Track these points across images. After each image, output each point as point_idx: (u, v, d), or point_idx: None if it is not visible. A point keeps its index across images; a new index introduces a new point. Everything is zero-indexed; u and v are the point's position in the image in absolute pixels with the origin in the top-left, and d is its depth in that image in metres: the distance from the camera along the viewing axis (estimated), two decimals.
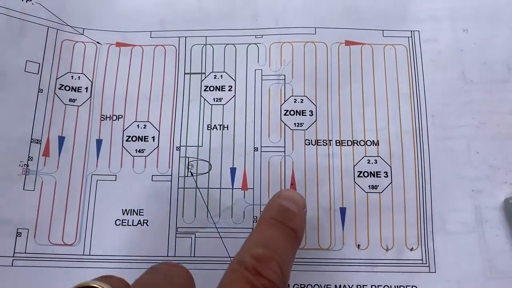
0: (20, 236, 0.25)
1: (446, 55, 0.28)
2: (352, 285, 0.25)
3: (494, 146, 0.26)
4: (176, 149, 0.27)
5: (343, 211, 0.26)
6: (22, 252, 0.25)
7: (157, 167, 0.26)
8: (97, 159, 0.26)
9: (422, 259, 0.25)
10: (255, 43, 0.28)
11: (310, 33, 0.28)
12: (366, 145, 0.27)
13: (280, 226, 0.20)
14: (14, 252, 0.25)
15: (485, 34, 0.28)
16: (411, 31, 0.28)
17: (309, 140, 0.27)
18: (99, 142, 0.27)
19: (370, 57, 0.28)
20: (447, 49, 0.28)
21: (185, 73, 0.28)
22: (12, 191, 0.25)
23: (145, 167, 0.26)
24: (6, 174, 0.25)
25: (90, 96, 0.27)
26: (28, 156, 0.26)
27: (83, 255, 0.25)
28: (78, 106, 0.27)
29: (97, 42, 0.28)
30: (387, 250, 0.25)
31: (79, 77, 0.27)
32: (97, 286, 0.17)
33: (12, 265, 0.25)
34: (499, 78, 0.27)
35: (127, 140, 0.27)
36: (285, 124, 0.27)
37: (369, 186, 0.26)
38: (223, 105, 0.27)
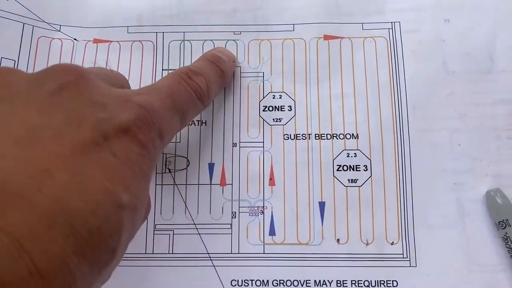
0: None
1: (427, 46, 0.27)
2: (332, 281, 0.25)
3: (476, 138, 0.26)
4: None
5: (322, 205, 0.25)
6: None
7: None
8: None
9: (403, 253, 0.25)
10: (233, 40, 0.28)
11: (289, 30, 0.28)
12: (346, 139, 0.26)
13: (212, 64, 0.24)
14: None
15: (467, 24, 0.28)
16: (392, 22, 0.28)
17: (288, 135, 0.26)
18: None
19: (349, 51, 0.27)
20: (429, 39, 0.27)
21: (163, 69, 0.27)
22: None
23: None
24: None
25: None
26: None
27: None
28: None
29: (74, 39, 0.28)
30: (367, 244, 0.25)
31: None
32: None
33: None
34: (481, 69, 0.27)
35: None
36: (263, 120, 0.27)
37: (349, 180, 0.26)
38: None
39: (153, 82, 0.27)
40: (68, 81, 0.16)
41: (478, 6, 0.28)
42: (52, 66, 0.17)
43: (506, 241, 0.24)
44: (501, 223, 0.24)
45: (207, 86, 0.22)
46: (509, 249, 0.24)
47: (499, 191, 0.25)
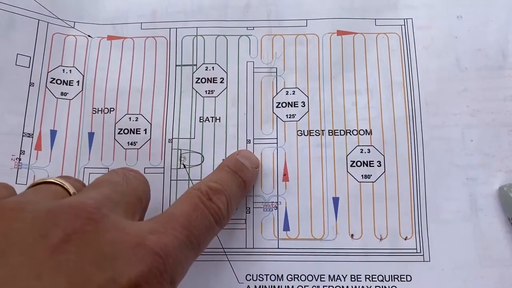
0: None
1: (440, 42, 0.27)
2: (346, 275, 0.25)
3: (488, 133, 0.26)
4: (168, 142, 0.27)
5: (336, 201, 0.26)
6: None
7: (149, 159, 0.26)
8: (89, 152, 0.26)
9: (416, 248, 0.25)
10: (246, 35, 0.28)
11: (301, 26, 0.28)
12: (359, 135, 0.26)
13: (233, 174, 0.23)
14: None
15: (479, 20, 0.28)
16: (404, 19, 0.28)
17: (301, 131, 0.27)
18: (91, 135, 0.27)
19: (362, 47, 0.28)
20: (441, 36, 0.28)
21: (176, 65, 0.28)
22: None
23: (137, 159, 0.26)
24: None
25: (82, 90, 0.27)
26: (20, 150, 0.26)
27: None
28: (70, 99, 0.27)
29: (88, 36, 0.28)
30: (381, 239, 0.25)
31: (70, 70, 0.27)
32: (57, 182, 0.18)
33: None
34: (493, 65, 0.27)
35: (119, 133, 0.27)
36: (277, 116, 0.27)
37: (362, 175, 0.26)
38: (215, 97, 0.27)
39: (167, 78, 0.27)
40: (74, 229, 0.15)
41: (490, 2, 0.28)
42: (61, 205, 0.16)
43: None
44: None
45: (227, 206, 0.21)
46: None
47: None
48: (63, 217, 0.15)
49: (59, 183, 0.18)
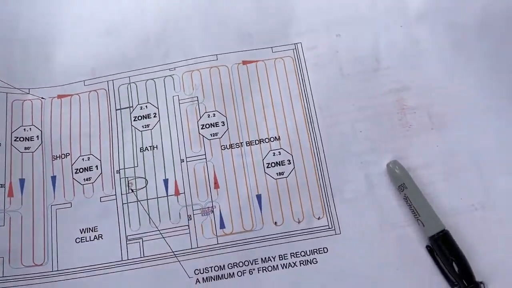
0: None
1: (325, 58, 0.34)
2: (275, 256, 0.30)
3: (373, 123, 0.32)
4: (117, 172, 0.32)
5: (259, 197, 0.31)
6: (0, 276, 0.30)
7: (103, 190, 0.32)
8: (54, 192, 0.32)
9: (328, 225, 0.31)
10: (169, 75, 0.34)
11: (213, 60, 0.34)
12: (270, 141, 0.32)
13: None
14: None
15: (354, 36, 0.34)
16: (295, 43, 0.34)
17: (224, 146, 0.33)
18: (53, 178, 0.32)
19: (264, 71, 0.34)
20: (325, 52, 0.34)
21: (116, 109, 0.34)
22: None
23: (93, 191, 0.32)
24: None
25: (41, 142, 0.33)
26: None
27: (52, 271, 0.30)
28: (33, 152, 0.33)
29: (42, 98, 0.34)
30: (299, 222, 0.31)
31: (30, 128, 0.33)
32: None
33: None
34: (370, 69, 0.33)
35: (76, 173, 0.32)
36: (203, 136, 0.33)
37: (277, 173, 0.32)
38: (151, 129, 0.33)
39: (110, 121, 0.33)
40: None
41: (361, 20, 0.35)
42: None
43: (406, 200, 0.30)
44: (400, 187, 0.30)
45: None
46: (410, 206, 0.30)
47: (396, 163, 0.31)
48: None
49: None
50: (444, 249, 0.29)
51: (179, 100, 0.34)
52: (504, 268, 0.29)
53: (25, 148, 0.33)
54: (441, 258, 0.29)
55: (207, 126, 0.33)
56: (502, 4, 0.34)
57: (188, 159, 0.32)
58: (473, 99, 0.32)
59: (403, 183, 0.30)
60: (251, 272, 0.30)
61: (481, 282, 0.28)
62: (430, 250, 0.30)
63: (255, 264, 0.30)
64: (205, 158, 0.32)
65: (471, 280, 0.28)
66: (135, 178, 0.32)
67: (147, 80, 0.34)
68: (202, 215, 0.31)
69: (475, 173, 0.31)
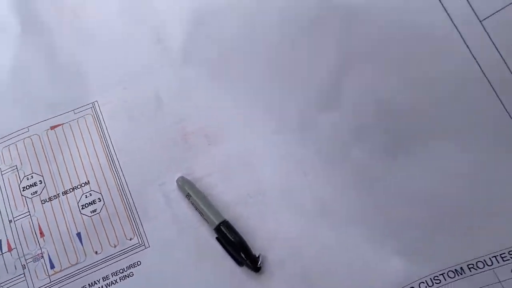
0: None
1: (117, 109, 0.42)
2: (99, 279, 0.37)
3: (163, 151, 0.40)
4: None
5: (79, 235, 0.38)
6: None
7: None
8: None
9: (139, 242, 0.38)
10: None
11: (25, 132, 0.41)
12: (82, 187, 0.39)
13: None
14: None
15: (137, 86, 0.42)
16: (92, 102, 0.42)
17: (44, 200, 0.39)
18: None
19: (70, 131, 0.41)
20: (117, 104, 0.42)
21: None
22: None
23: None
24: None
25: None
26: None
27: None
28: None
29: None
30: (115, 246, 0.38)
31: None
32: None
33: None
34: (153, 109, 0.41)
35: None
36: (25, 197, 0.39)
37: (91, 211, 0.39)
38: None
39: None
40: None
41: (142, 72, 0.43)
42: None
43: (193, 205, 0.38)
44: (187, 196, 0.38)
45: None
46: (196, 209, 0.38)
47: (182, 177, 0.39)
48: None
49: None
50: (227, 236, 0.37)
51: (1, 172, 0.40)
52: (276, 240, 0.38)
53: None
54: (226, 243, 0.37)
55: (27, 187, 0.39)
56: (239, 43, 0.43)
57: (15, 219, 0.38)
58: (234, 116, 0.41)
59: (188, 193, 0.38)
60: None
61: (259, 256, 0.37)
62: (218, 239, 0.37)
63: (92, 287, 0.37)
64: (29, 214, 0.39)
65: (250, 255, 0.37)
66: None
67: None
68: (34, 262, 0.37)
69: (246, 171, 0.40)
